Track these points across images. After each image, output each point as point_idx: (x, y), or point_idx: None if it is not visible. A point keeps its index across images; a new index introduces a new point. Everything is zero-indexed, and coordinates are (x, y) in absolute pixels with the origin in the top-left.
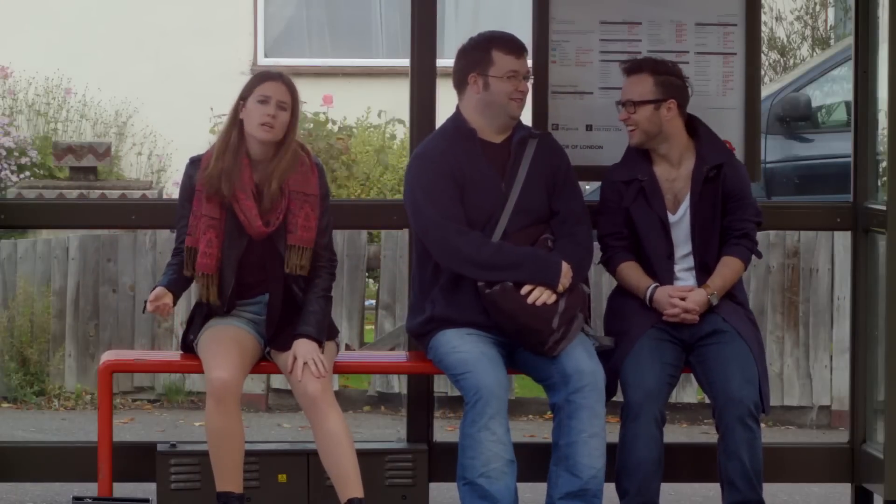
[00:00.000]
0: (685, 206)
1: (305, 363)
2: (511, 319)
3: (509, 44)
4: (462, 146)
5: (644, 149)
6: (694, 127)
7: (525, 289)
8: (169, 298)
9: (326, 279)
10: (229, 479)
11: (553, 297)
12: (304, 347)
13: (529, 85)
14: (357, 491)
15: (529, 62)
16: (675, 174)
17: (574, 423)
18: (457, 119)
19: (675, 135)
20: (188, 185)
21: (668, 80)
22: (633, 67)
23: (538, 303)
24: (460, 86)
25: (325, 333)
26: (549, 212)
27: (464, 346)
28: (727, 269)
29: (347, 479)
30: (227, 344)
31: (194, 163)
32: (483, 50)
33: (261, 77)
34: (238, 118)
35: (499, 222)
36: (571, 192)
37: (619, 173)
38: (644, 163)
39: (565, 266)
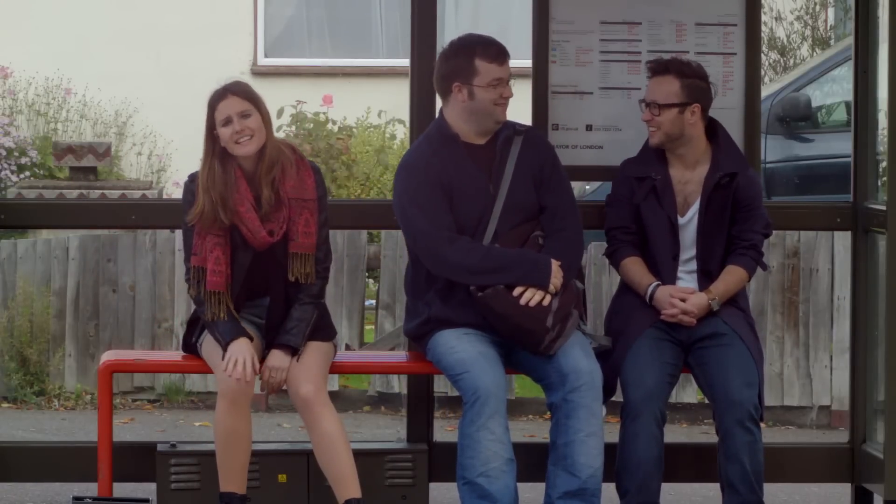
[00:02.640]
0: (694, 209)
1: (272, 375)
2: (505, 321)
3: (491, 51)
4: (447, 151)
5: (661, 148)
6: (714, 131)
7: (517, 290)
8: (254, 353)
9: (318, 284)
10: (234, 480)
11: (547, 297)
12: (275, 359)
13: (512, 86)
14: (355, 491)
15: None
16: (689, 177)
17: (572, 422)
18: (440, 124)
19: (696, 138)
20: (191, 202)
21: (694, 84)
22: (660, 68)
23: (531, 303)
24: (443, 93)
25: (305, 339)
26: (539, 208)
27: (461, 347)
28: (731, 276)
29: (345, 479)
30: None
31: (194, 179)
32: (465, 58)
33: (212, 102)
34: (217, 147)
35: (489, 223)
36: (558, 185)
37: (634, 169)
38: (659, 162)
39: (555, 265)
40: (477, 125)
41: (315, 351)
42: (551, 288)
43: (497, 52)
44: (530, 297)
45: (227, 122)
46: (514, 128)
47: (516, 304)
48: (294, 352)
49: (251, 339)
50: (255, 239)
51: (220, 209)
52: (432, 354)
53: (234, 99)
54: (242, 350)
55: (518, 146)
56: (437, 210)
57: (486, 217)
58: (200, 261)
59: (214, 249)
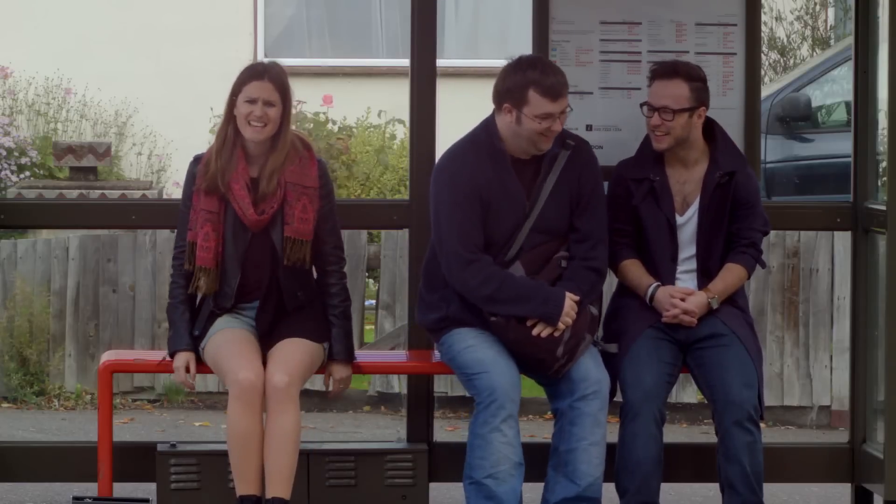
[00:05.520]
0: (693, 209)
1: (338, 385)
2: (515, 346)
3: (547, 84)
4: (493, 162)
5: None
6: (711, 130)
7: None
8: (193, 363)
9: (340, 288)
10: (251, 482)
11: (559, 330)
12: (337, 372)
13: (564, 120)
14: (285, 492)
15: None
16: (687, 176)
17: (576, 430)
18: (490, 129)
19: (697, 139)
20: (191, 183)
21: (700, 87)
22: (668, 72)
23: (543, 335)
24: (497, 105)
25: (348, 350)
26: (569, 227)
27: (480, 346)
28: (730, 274)
29: (282, 477)
30: (243, 345)
31: (197, 161)
32: (521, 85)
33: (248, 74)
34: (232, 114)
35: (516, 240)
36: (595, 209)
37: (631, 170)
38: (657, 162)
39: (569, 302)
40: (520, 146)
41: (300, 347)
42: (561, 325)
43: (552, 88)
44: (541, 329)
45: (252, 102)
46: (564, 140)
47: (527, 334)
48: (347, 361)
49: (192, 349)
50: (246, 217)
51: (218, 175)
52: (448, 350)
53: (269, 85)
54: (179, 364)
55: (562, 163)
56: (469, 225)
57: (516, 233)
58: (193, 236)
59: (205, 226)
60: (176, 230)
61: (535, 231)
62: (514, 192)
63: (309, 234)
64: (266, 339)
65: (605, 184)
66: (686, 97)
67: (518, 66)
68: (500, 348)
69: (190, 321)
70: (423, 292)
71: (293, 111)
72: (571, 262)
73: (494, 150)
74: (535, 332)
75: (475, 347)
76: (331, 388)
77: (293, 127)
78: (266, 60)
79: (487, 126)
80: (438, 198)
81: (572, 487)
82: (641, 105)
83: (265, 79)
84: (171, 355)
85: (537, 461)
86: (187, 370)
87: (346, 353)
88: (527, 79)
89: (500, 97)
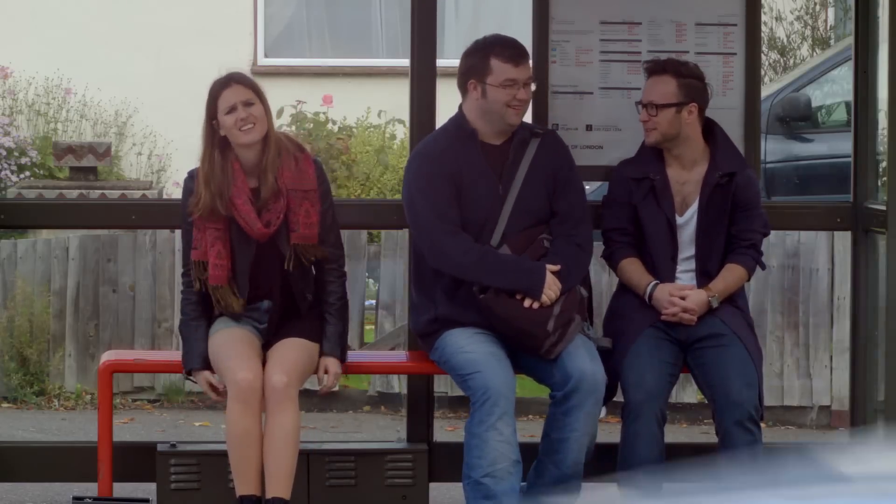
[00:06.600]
0: (693, 209)
1: (330, 381)
2: (506, 324)
3: (508, 51)
4: (462, 147)
5: (658, 148)
6: (711, 131)
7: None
8: (213, 379)
9: (337, 286)
10: (251, 482)
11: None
12: (334, 366)
13: (531, 90)
14: (285, 492)
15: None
16: (687, 177)
17: (569, 420)
18: (459, 120)
19: (693, 138)
20: (188, 198)
21: (691, 83)
22: (657, 68)
23: (533, 306)
24: (462, 89)
25: (341, 349)
26: (550, 212)
27: (472, 347)
28: (730, 274)
29: (281, 477)
30: (243, 345)
31: (193, 177)
32: (482, 57)
33: (215, 90)
34: (217, 137)
35: (497, 225)
36: (572, 191)
37: (631, 170)
38: (657, 162)
39: (550, 277)
40: (490, 125)
41: (298, 347)
42: (544, 298)
43: (513, 53)
44: (531, 300)
45: (232, 110)
46: (532, 130)
47: (518, 307)
48: (339, 358)
49: (207, 365)
50: (253, 230)
51: (217, 200)
52: (440, 354)
53: (239, 87)
54: (202, 384)
55: (534, 149)
56: (444, 203)
57: (493, 218)
58: (201, 255)
59: (216, 244)
60: (181, 246)
61: (517, 216)
62: (486, 175)
63: (315, 238)
64: (267, 339)
65: (604, 184)
66: (672, 93)
67: (475, 46)
68: (494, 348)
69: (203, 339)
70: (413, 294)
71: (294, 111)
72: (553, 240)
73: (464, 135)
74: (526, 303)
75: (466, 348)
76: (325, 383)
77: (292, 129)
78: (223, 71)
79: (456, 118)
80: (413, 185)
81: (559, 474)
82: (636, 103)
83: (232, 85)
84: (188, 372)
85: None
86: (213, 388)
87: (340, 352)
88: (486, 51)
89: (464, 77)
